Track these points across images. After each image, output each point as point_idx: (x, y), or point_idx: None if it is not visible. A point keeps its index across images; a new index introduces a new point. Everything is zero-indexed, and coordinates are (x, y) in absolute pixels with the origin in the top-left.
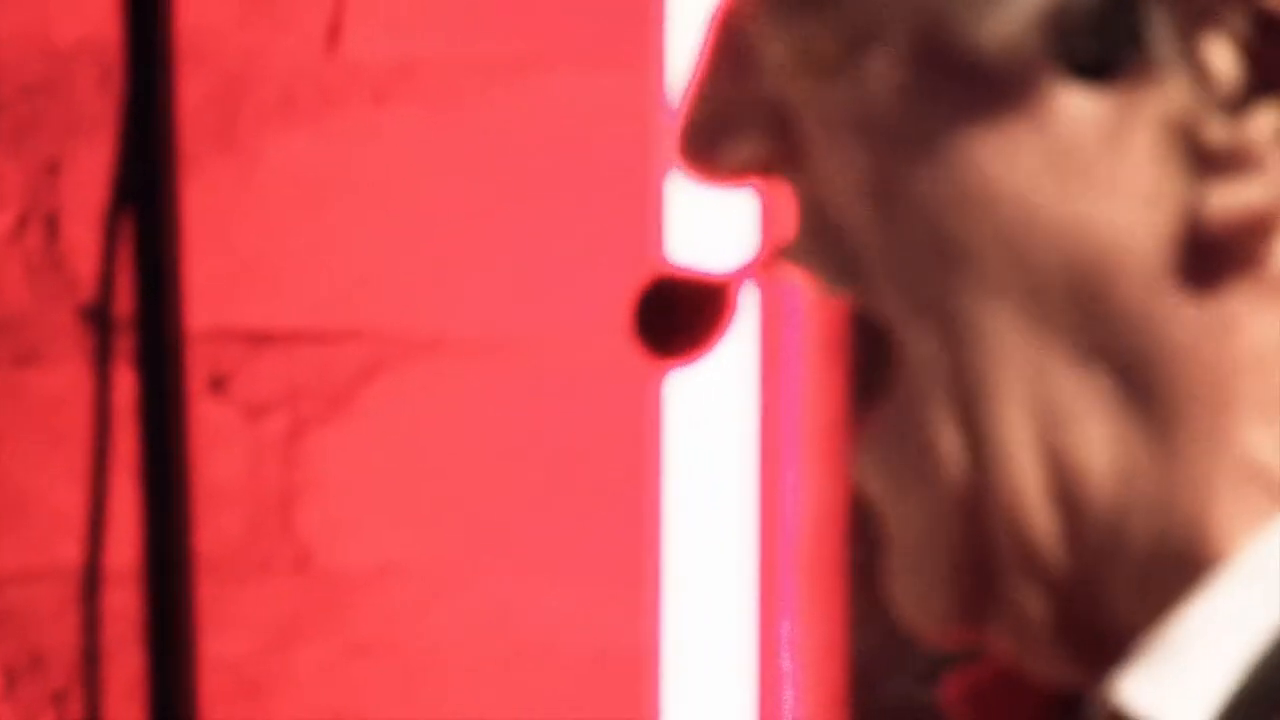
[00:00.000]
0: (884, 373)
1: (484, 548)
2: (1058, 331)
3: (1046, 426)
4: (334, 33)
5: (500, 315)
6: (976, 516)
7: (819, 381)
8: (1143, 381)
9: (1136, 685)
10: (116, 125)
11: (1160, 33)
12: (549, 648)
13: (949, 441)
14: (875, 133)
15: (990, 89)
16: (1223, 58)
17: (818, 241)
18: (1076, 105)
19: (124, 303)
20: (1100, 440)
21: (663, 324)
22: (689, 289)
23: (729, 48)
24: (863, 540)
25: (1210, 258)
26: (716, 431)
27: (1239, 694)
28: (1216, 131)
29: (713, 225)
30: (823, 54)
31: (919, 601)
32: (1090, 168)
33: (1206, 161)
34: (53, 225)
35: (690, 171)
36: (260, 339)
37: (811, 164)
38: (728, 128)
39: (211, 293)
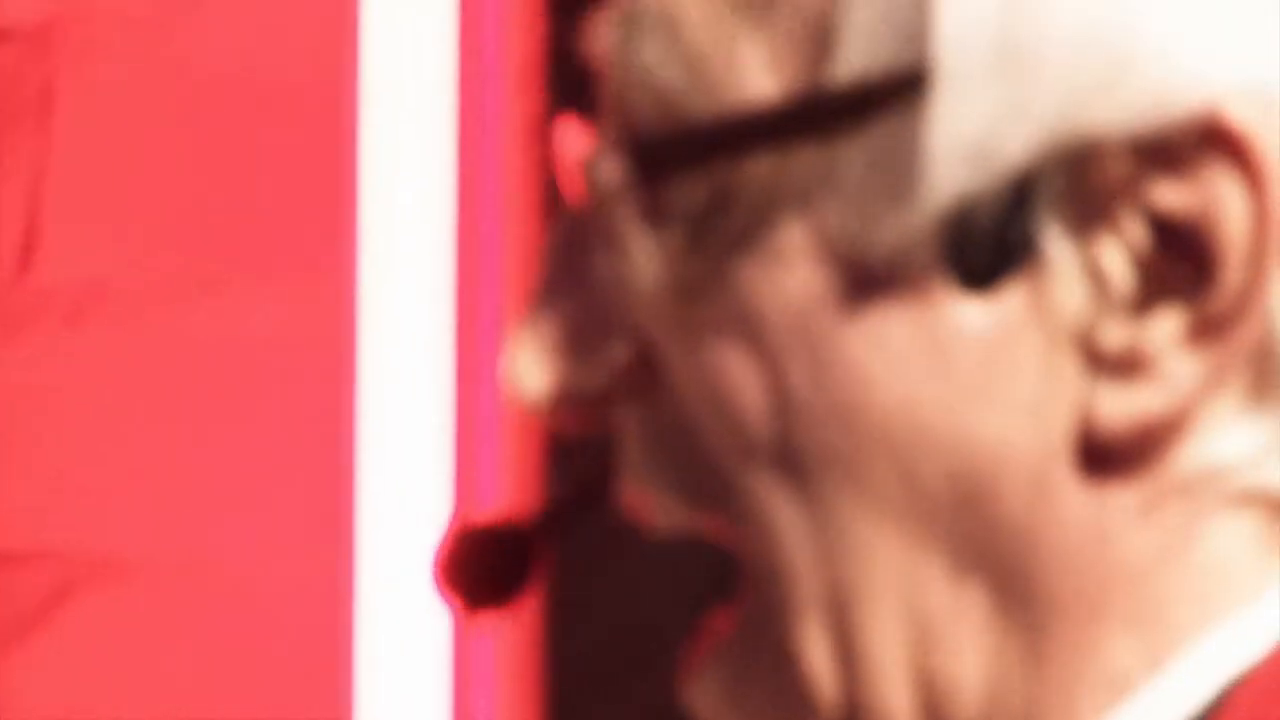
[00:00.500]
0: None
1: None
2: (938, 542)
3: (920, 642)
4: (25, 255)
5: (191, 534)
6: None
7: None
8: (1019, 593)
9: None
10: None
11: (1055, 240)
12: None
13: (818, 657)
14: (754, 346)
15: (881, 297)
16: (1117, 262)
17: (671, 464)
18: (966, 315)
19: None
20: (973, 655)
21: (466, 575)
22: (491, 539)
23: (572, 269)
24: None
25: (1098, 465)
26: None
27: None
28: (1111, 336)
29: (404, 439)
30: (693, 276)
31: None
32: (978, 378)
33: (1101, 366)
34: None
35: (536, 404)
36: None
37: (670, 383)
38: (584, 349)
39: None
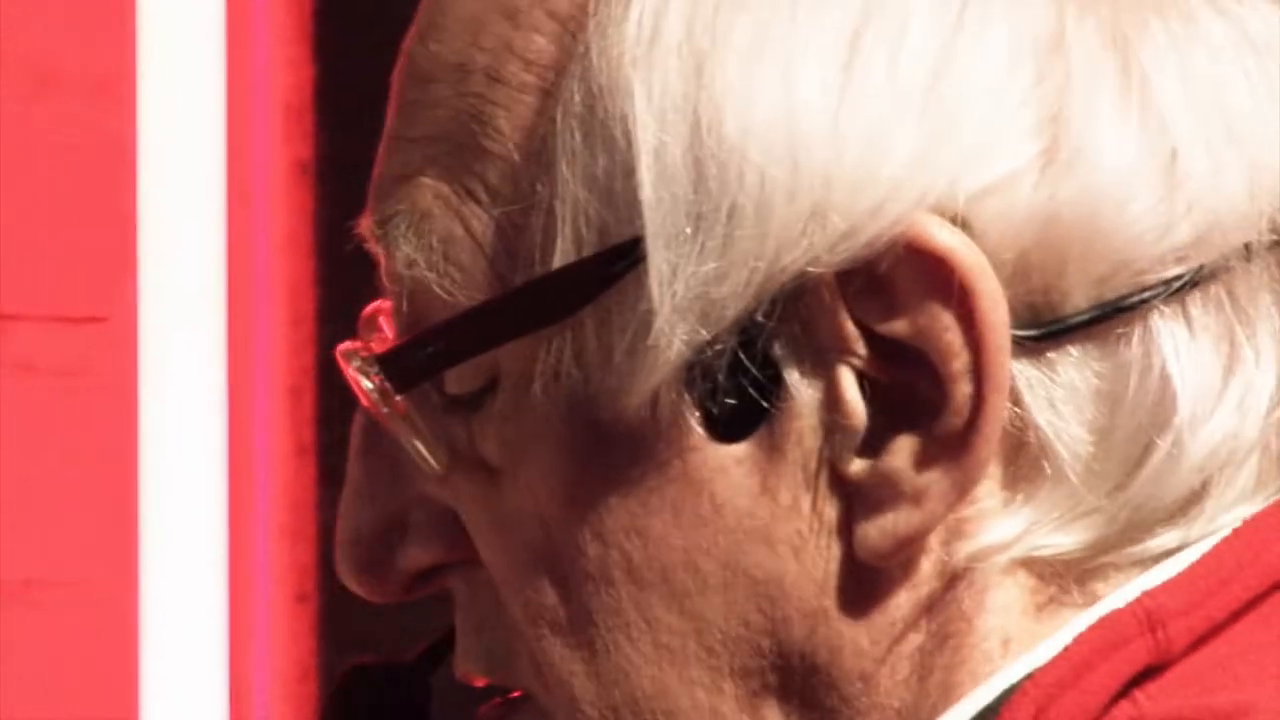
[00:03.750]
0: None
1: None
2: (729, 674)
3: None
4: None
5: None
6: None
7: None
8: (817, 708)
9: None
10: None
11: (794, 377)
12: None
13: None
14: (540, 518)
15: (645, 455)
16: (853, 392)
17: (480, 635)
18: (725, 460)
19: None
20: None
21: (355, 716)
22: (380, 678)
23: (378, 454)
24: None
25: (869, 583)
26: (188, 663)
27: None
28: (856, 467)
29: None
30: (478, 458)
31: None
32: (746, 521)
33: (850, 497)
34: None
35: (361, 587)
36: None
37: (480, 559)
38: (398, 534)
39: None
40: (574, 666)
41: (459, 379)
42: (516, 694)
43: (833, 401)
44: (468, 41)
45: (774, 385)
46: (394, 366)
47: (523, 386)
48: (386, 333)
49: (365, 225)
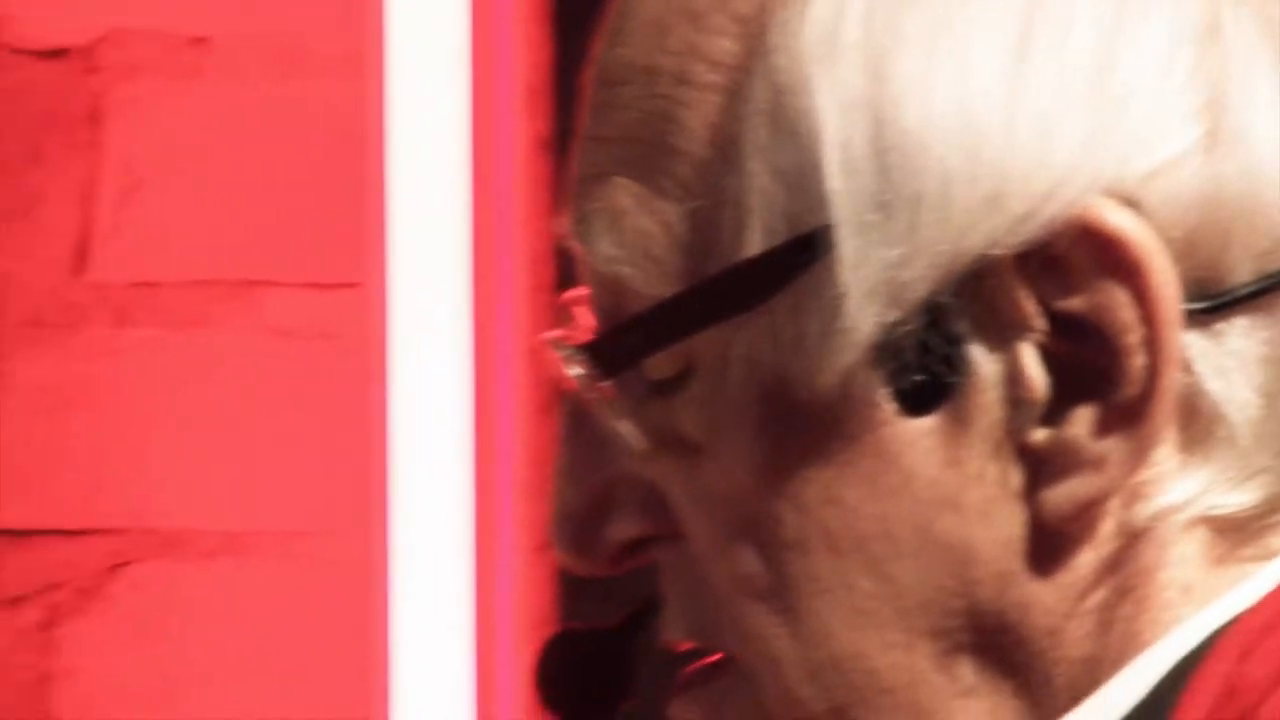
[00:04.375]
0: None
1: None
2: (923, 634)
3: None
4: (79, 259)
5: (237, 513)
6: None
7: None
8: (1006, 664)
9: None
10: None
11: (978, 354)
12: None
13: None
14: (739, 493)
15: (840, 432)
16: (1035, 365)
17: (686, 603)
18: (914, 434)
19: None
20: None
21: (563, 680)
22: (587, 644)
23: (585, 436)
24: None
25: (1054, 546)
26: (436, 608)
27: None
28: (1039, 436)
29: (430, 430)
30: (679, 438)
31: None
32: (936, 490)
33: (1034, 465)
34: None
35: (573, 561)
36: (15, 535)
37: (684, 532)
38: (605, 511)
39: None
40: (776, 631)
41: (658, 365)
42: (716, 657)
43: (1015, 375)
44: (654, 46)
45: (958, 361)
46: (599, 354)
47: (719, 371)
48: (585, 321)
49: (563, 224)
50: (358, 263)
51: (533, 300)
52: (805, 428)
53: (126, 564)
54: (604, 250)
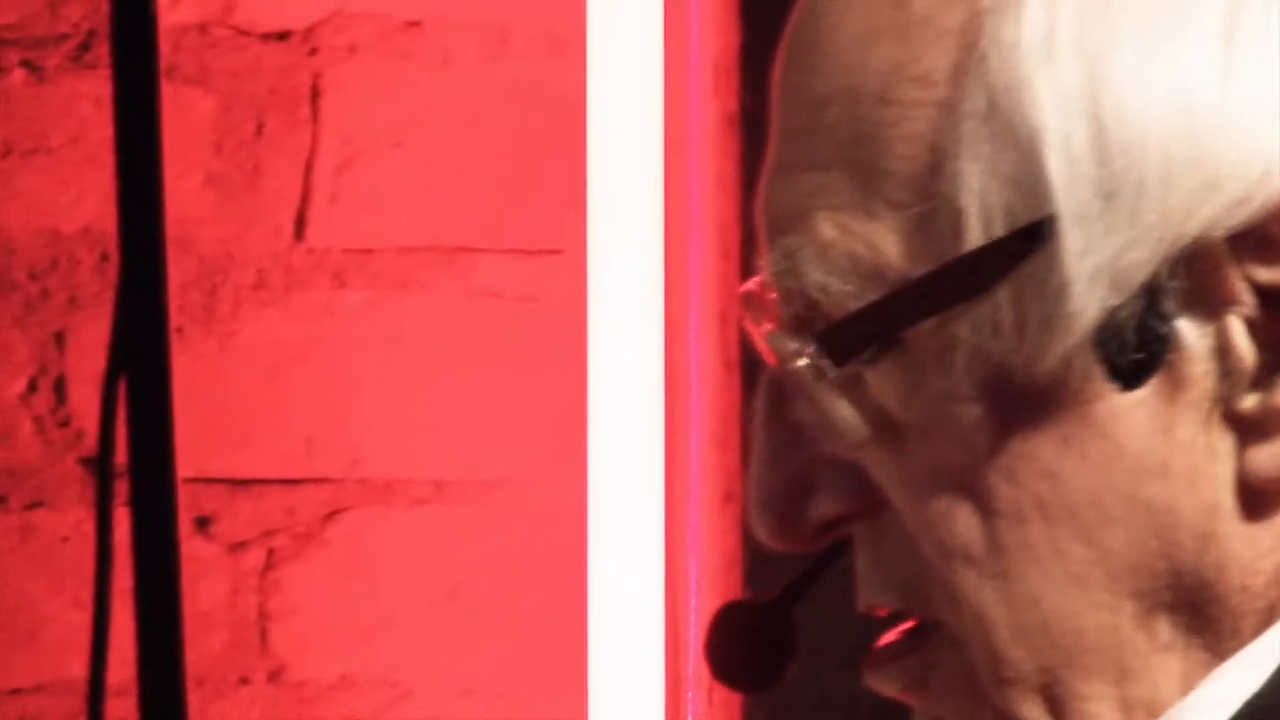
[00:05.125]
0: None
1: (428, 662)
2: (1126, 595)
3: (1122, 680)
4: (300, 225)
5: (444, 463)
6: None
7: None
8: (1200, 621)
9: None
10: (114, 302)
11: (1187, 329)
12: None
13: (1033, 714)
14: (955, 469)
15: (1056, 410)
16: (1242, 337)
17: (889, 571)
18: (1126, 407)
19: (121, 455)
20: (1165, 680)
21: (733, 654)
22: (753, 617)
23: (782, 420)
24: None
25: (1255, 508)
26: (629, 553)
27: None
28: (1247, 404)
29: (624, 386)
30: (890, 421)
31: None
32: (1145, 460)
33: (1243, 430)
34: (60, 388)
35: (775, 541)
36: (238, 485)
37: (884, 509)
38: (806, 493)
39: (197, 446)
40: (987, 595)
41: (878, 360)
42: (913, 623)
43: (1224, 347)
44: (852, 67)
45: (1171, 338)
46: (829, 342)
47: (938, 356)
48: (769, 309)
49: (763, 272)
50: (559, 230)
51: (720, 266)
52: (1023, 407)
53: (341, 511)
54: (816, 280)
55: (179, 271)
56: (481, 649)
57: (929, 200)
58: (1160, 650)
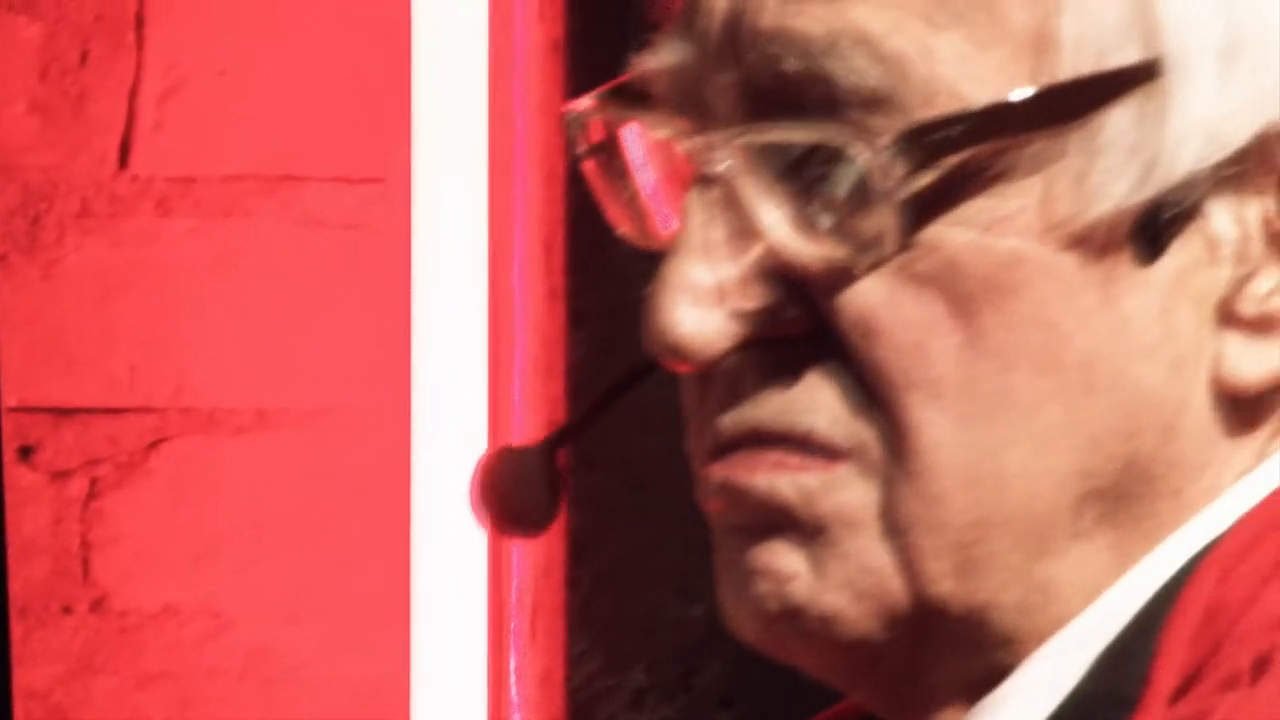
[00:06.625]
0: None
1: (252, 590)
2: (1075, 474)
3: (1037, 554)
4: (124, 152)
5: (268, 392)
6: None
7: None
8: (1127, 519)
9: None
10: None
11: (1218, 212)
12: (307, 676)
13: (939, 567)
14: (955, 295)
15: (1078, 262)
16: (1260, 232)
17: (814, 399)
18: (1140, 279)
19: None
20: (1074, 571)
21: (501, 497)
22: (522, 460)
23: (733, 215)
24: (578, 586)
25: (1226, 412)
26: (455, 495)
27: None
28: (1249, 305)
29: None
30: (896, 240)
31: None
32: (1144, 338)
33: (1238, 328)
34: None
35: (680, 345)
36: (62, 413)
37: (834, 327)
38: (743, 295)
39: (20, 374)
40: (944, 435)
41: (920, 176)
42: (803, 456)
43: (1244, 242)
44: None
45: (1202, 216)
46: (911, 141)
47: (987, 184)
48: (594, 134)
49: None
50: (383, 159)
51: (545, 193)
52: (1044, 254)
53: (164, 440)
54: (858, 64)
55: (3, 199)
56: (305, 578)
57: (1012, 23)
58: (1075, 536)
